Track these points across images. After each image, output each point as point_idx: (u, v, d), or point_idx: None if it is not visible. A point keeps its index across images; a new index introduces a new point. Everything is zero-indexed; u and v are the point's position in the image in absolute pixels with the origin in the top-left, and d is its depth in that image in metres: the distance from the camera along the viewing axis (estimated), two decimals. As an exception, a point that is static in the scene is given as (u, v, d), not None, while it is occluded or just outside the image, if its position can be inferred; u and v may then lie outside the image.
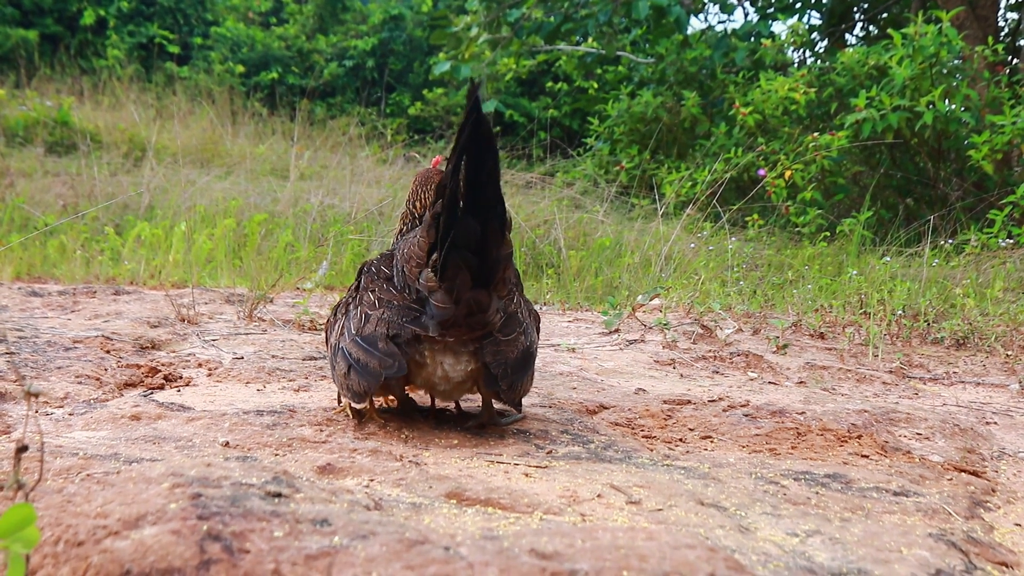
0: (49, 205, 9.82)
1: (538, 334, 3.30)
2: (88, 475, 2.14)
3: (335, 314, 3.27)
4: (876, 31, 15.35)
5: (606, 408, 3.57)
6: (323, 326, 3.70)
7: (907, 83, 9.95)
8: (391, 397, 3.28)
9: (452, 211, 2.65)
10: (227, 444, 2.72)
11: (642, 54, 15.92)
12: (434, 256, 2.76)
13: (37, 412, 3.08)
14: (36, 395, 1.57)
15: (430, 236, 2.77)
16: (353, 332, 2.95)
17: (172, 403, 3.22)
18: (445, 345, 2.89)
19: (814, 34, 14.84)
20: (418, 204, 3.41)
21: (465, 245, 2.69)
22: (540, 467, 2.71)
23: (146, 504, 1.87)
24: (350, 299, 3.18)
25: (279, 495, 1.99)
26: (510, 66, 17.62)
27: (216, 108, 18.84)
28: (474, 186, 2.62)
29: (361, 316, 2.98)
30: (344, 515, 1.91)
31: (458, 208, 2.64)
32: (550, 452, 2.92)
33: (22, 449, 1.62)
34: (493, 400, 3.14)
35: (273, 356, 4.24)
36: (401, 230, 3.44)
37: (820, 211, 9.90)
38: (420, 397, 3.44)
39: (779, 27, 14.65)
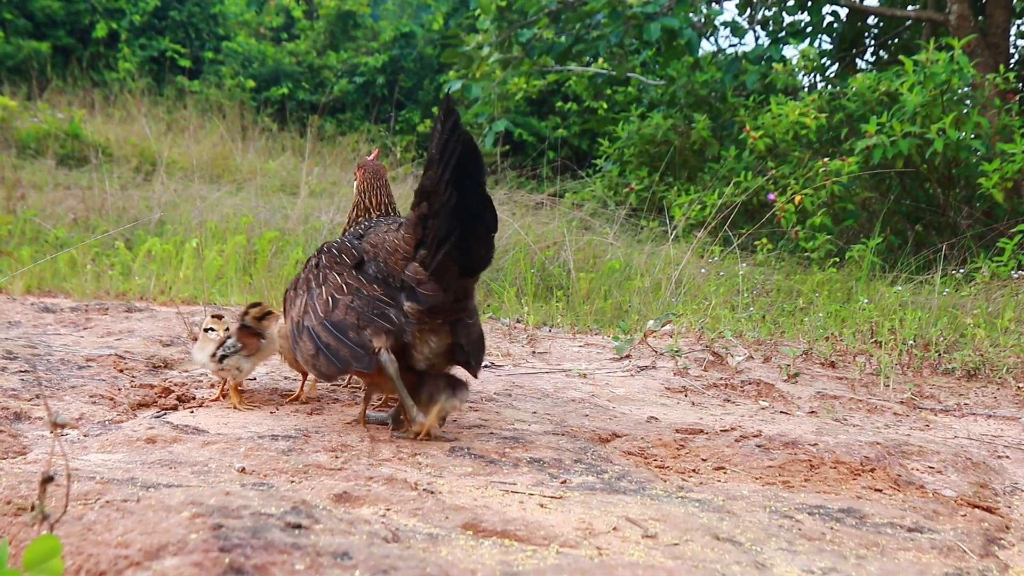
0: (60, 218, 9.84)
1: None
2: (107, 501, 2.14)
3: (295, 288, 3.52)
4: (887, 56, 15.37)
5: (619, 436, 3.57)
6: None
7: (918, 110, 9.94)
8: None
9: (441, 216, 3.06)
10: (243, 470, 2.72)
11: (652, 75, 15.96)
12: (422, 252, 3.16)
13: (52, 433, 3.09)
14: (63, 426, 1.58)
15: (417, 234, 3.16)
16: (320, 314, 3.25)
17: (186, 425, 3.23)
18: (431, 326, 3.25)
19: (824, 59, 14.87)
20: (373, 199, 3.85)
21: (455, 244, 3.10)
22: (555, 497, 2.71)
23: (167, 534, 1.87)
24: (310, 275, 3.46)
25: (299, 526, 1.99)
26: (520, 85, 17.65)
27: (227, 123, 18.89)
28: (465, 196, 3.04)
29: (328, 299, 3.28)
30: (364, 548, 1.92)
31: (448, 213, 3.05)
32: (564, 482, 2.92)
33: (47, 480, 1.63)
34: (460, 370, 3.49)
35: (285, 377, 4.25)
36: (355, 219, 3.79)
37: (829, 236, 9.90)
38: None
39: (790, 51, 14.69)
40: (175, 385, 3.94)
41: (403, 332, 3.18)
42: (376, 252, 3.34)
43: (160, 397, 3.75)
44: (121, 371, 4.07)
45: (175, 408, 3.64)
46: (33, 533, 1.96)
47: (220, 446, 2.93)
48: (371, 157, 3.96)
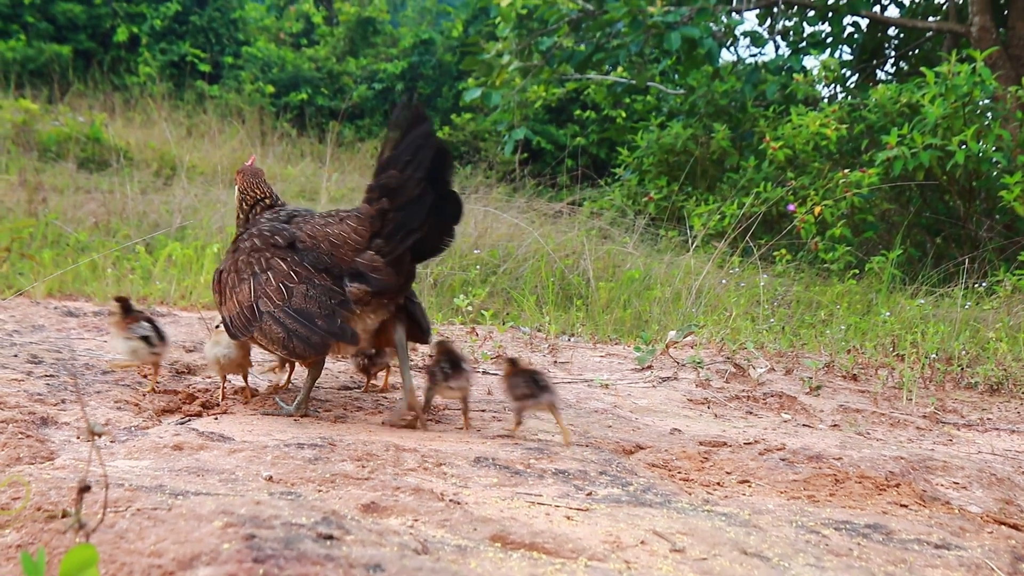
0: (81, 222, 9.87)
1: None
2: (138, 509, 2.15)
3: (235, 271, 3.77)
4: (907, 67, 15.33)
5: (642, 448, 3.57)
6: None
7: (939, 122, 9.91)
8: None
9: (410, 209, 3.49)
10: (271, 478, 2.72)
11: (671, 84, 15.94)
12: (378, 242, 3.54)
13: (79, 439, 3.10)
14: (99, 435, 1.58)
15: (373, 226, 3.55)
16: (278, 302, 3.57)
17: (212, 432, 3.23)
18: (379, 304, 3.64)
19: (845, 69, 14.83)
20: (258, 191, 4.10)
21: (421, 235, 3.53)
22: (581, 509, 2.71)
23: (199, 544, 1.88)
24: (251, 259, 3.73)
25: (330, 537, 1.99)
26: (540, 93, 17.65)
27: (246, 128, 18.95)
28: (437, 192, 3.49)
29: (280, 286, 3.59)
30: (396, 560, 1.92)
31: (421, 208, 3.48)
32: (590, 494, 2.92)
33: (84, 489, 1.64)
34: (408, 344, 3.85)
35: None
36: (249, 212, 4.09)
37: (849, 248, 9.86)
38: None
39: (810, 62, 14.66)
40: (199, 391, 3.95)
41: (353, 313, 3.58)
42: (316, 243, 3.66)
43: (184, 403, 3.77)
44: (145, 376, 4.08)
45: (199, 415, 3.65)
46: (66, 541, 1.96)
47: (247, 454, 2.94)
48: (249, 163, 4.22)
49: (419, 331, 3.86)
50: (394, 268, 3.55)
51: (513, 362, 3.65)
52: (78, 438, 3.11)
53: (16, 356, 4.16)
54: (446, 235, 3.66)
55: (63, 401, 3.49)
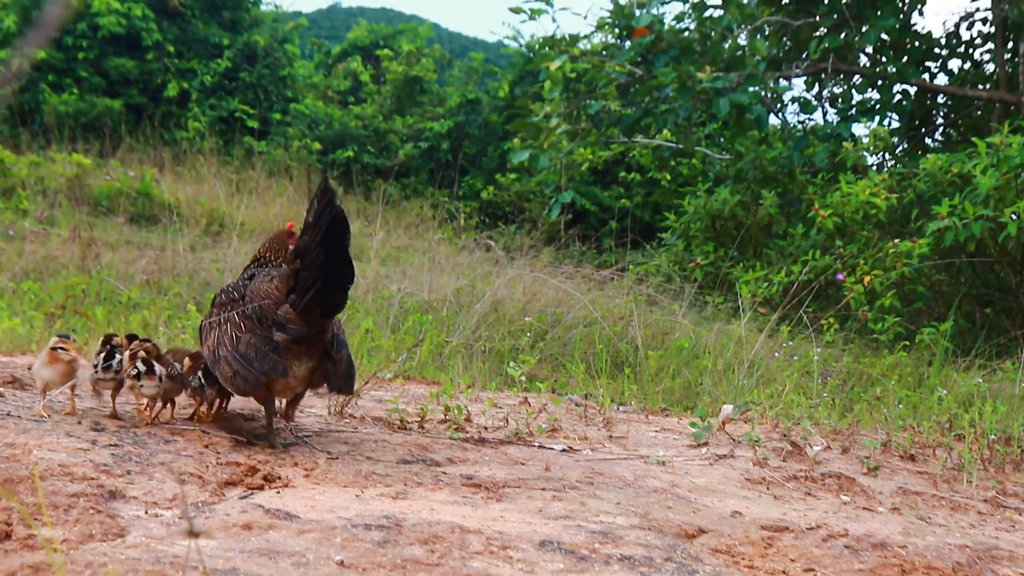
0: (132, 278, 9.98)
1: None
2: (217, 598, 2.16)
3: (209, 322, 4.46)
4: (956, 136, 15.28)
5: (704, 532, 3.55)
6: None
7: (991, 192, 9.86)
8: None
9: (311, 269, 4.02)
10: (342, 563, 2.73)
11: (717, 149, 15.98)
12: (292, 297, 4.10)
13: (148, 514, 3.12)
14: (197, 535, 1.60)
15: (289, 283, 4.12)
16: (229, 348, 4.19)
17: (278, 510, 3.24)
18: (301, 351, 4.18)
19: (893, 136, 14.81)
20: (273, 256, 4.73)
21: (319, 290, 4.04)
22: (651, 601, 2.69)
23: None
24: (222, 312, 4.38)
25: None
26: (586, 156, 17.74)
27: (294, 184, 19.15)
28: (331, 255, 4.00)
29: (233, 335, 4.23)
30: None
31: (317, 267, 3.99)
32: (658, 584, 2.91)
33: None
34: (332, 393, 4.53)
35: (368, 458, 4.26)
36: (249, 266, 4.75)
37: (898, 319, 9.79)
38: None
39: (858, 128, 14.67)
40: (260, 463, 3.96)
41: (281, 360, 4.13)
42: (253, 298, 4.26)
43: (246, 476, 3.78)
44: (206, 447, 4.11)
45: (261, 488, 3.66)
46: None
47: (316, 535, 2.94)
48: (288, 227, 4.84)
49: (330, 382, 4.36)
50: (304, 319, 4.11)
51: None
52: (146, 513, 3.13)
53: (80, 423, 4.20)
54: (343, 293, 4.16)
55: (128, 472, 3.51)
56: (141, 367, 4.25)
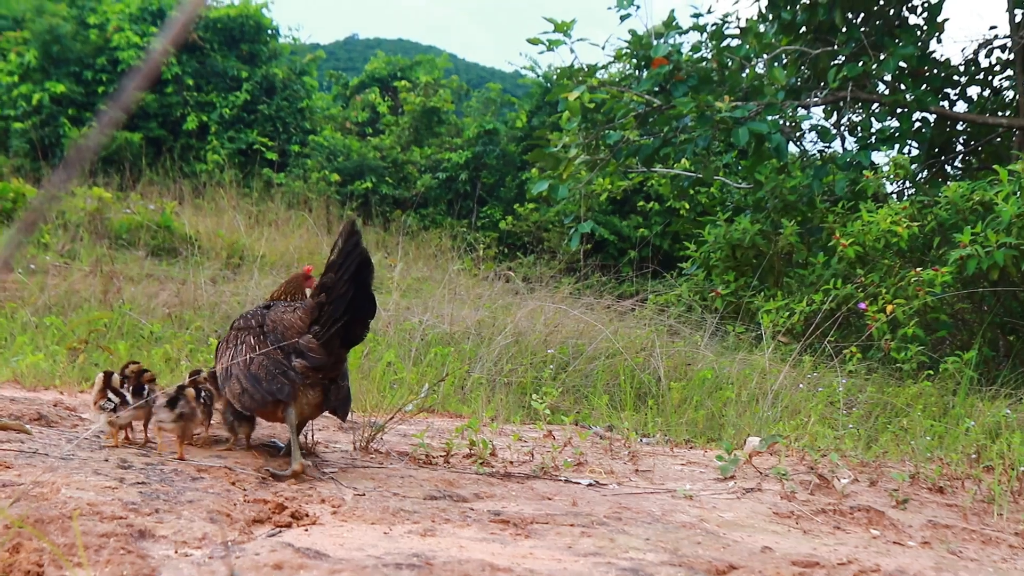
0: (153, 311, 10.02)
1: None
2: (252, 641, 2.15)
3: (225, 343, 4.79)
4: (976, 163, 15.22)
5: (735, 568, 3.52)
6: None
7: (1014, 220, 9.83)
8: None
9: (337, 304, 4.32)
10: (374, 604, 2.72)
11: (735, 178, 15.95)
12: (316, 328, 4.41)
13: (177, 553, 3.11)
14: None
15: (313, 315, 4.43)
16: (242, 367, 4.50)
17: (308, 548, 3.23)
18: (317, 379, 4.49)
19: (913, 164, 14.77)
20: (287, 296, 5.02)
21: (344, 324, 4.36)
22: (685, 641, 2.67)
23: None
24: (237, 335, 4.71)
25: None
26: (605, 186, 17.74)
27: (313, 216, 19.22)
28: (357, 293, 4.30)
29: (248, 356, 4.52)
30: None
31: (343, 304, 4.31)
32: (691, 623, 2.88)
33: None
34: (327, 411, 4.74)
35: (395, 494, 4.25)
36: (269, 302, 4.96)
37: (921, 347, 9.73)
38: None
39: (878, 156, 14.62)
40: (287, 500, 3.96)
41: (294, 383, 4.41)
42: (275, 326, 4.56)
43: (274, 513, 3.77)
44: (233, 483, 4.11)
45: (289, 525, 3.66)
46: None
47: (347, 575, 2.93)
48: (305, 271, 5.18)
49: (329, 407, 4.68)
50: (325, 349, 4.42)
51: None
52: (176, 552, 3.12)
53: (107, 460, 4.21)
54: (364, 327, 4.50)
55: (157, 511, 3.51)
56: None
